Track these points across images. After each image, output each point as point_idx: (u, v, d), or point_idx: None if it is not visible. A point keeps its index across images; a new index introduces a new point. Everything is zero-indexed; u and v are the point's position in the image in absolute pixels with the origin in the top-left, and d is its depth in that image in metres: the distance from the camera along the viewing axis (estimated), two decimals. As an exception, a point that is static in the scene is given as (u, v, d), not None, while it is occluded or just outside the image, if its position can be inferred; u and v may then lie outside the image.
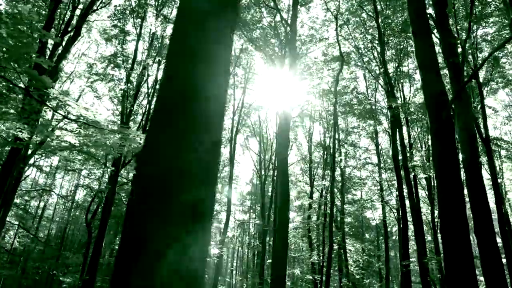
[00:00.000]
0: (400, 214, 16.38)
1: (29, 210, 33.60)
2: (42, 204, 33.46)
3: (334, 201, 17.70)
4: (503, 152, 27.38)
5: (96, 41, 20.40)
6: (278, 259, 10.46)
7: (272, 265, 11.05)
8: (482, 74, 20.08)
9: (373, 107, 19.18)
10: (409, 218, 25.47)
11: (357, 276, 26.26)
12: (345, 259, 19.96)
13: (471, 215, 8.53)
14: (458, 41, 13.47)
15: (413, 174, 20.34)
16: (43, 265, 28.38)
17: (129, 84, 16.30)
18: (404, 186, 16.83)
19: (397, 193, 22.31)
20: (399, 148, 14.50)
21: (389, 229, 29.30)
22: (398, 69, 19.02)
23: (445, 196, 5.66)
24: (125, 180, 21.07)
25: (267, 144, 27.09)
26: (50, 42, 14.59)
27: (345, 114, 20.78)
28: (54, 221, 38.39)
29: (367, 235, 33.80)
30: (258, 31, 16.33)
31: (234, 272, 43.92)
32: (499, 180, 26.66)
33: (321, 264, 19.64)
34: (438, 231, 23.28)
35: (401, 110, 14.73)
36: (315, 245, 22.60)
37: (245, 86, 23.68)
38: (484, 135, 15.93)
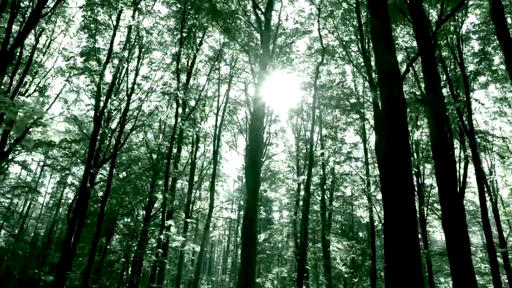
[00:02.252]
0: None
1: (16, 209, 33.16)
2: (28, 202, 32.97)
3: (309, 196, 17.19)
4: (495, 148, 26.89)
5: (76, 35, 19.92)
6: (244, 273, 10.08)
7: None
8: (471, 67, 19.56)
9: (359, 100, 18.69)
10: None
11: (346, 275, 25.79)
12: (324, 257, 19.45)
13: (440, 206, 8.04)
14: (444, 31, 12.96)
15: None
16: (29, 264, 27.94)
17: (103, 77, 15.81)
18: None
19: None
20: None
21: (380, 227, 28.79)
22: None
23: (390, 183, 5.16)
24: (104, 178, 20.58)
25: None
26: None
27: (326, 107, 20.24)
28: (43, 220, 37.90)
29: (360, 234, 33.29)
30: (238, 21, 15.82)
31: (225, 270, 43.43)
32: (491, 177, 26.20)
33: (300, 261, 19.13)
34: (427, 226, 22.81)
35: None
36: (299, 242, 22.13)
37: (230, 81, 23.16)
38: (468, 128, 15.47)
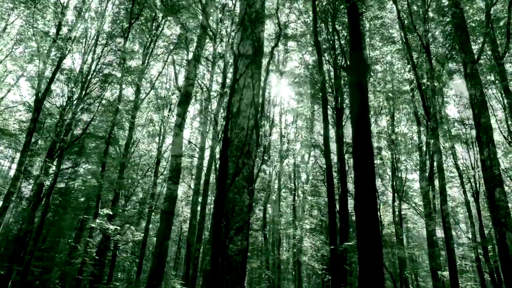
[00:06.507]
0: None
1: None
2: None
3: (254, 187, 16.24)
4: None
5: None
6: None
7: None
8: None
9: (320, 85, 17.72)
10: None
11: (319, 272, 24.90)
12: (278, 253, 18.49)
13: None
14: None
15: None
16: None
17: (44, 60, 14.92)
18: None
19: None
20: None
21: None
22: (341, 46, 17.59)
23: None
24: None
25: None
26: None
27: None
28: (23, 215, 36.97)
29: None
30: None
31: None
32: (473, 172, 25.17)
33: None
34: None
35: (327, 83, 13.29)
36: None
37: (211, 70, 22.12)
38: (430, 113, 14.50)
